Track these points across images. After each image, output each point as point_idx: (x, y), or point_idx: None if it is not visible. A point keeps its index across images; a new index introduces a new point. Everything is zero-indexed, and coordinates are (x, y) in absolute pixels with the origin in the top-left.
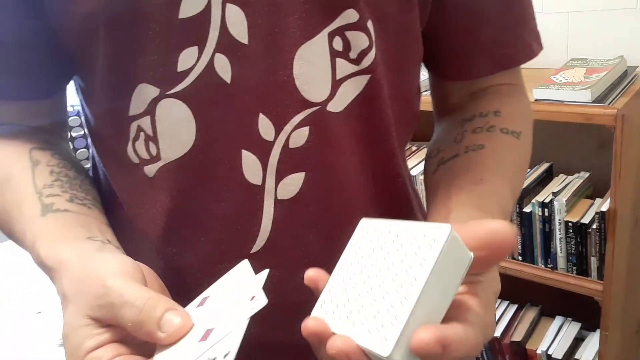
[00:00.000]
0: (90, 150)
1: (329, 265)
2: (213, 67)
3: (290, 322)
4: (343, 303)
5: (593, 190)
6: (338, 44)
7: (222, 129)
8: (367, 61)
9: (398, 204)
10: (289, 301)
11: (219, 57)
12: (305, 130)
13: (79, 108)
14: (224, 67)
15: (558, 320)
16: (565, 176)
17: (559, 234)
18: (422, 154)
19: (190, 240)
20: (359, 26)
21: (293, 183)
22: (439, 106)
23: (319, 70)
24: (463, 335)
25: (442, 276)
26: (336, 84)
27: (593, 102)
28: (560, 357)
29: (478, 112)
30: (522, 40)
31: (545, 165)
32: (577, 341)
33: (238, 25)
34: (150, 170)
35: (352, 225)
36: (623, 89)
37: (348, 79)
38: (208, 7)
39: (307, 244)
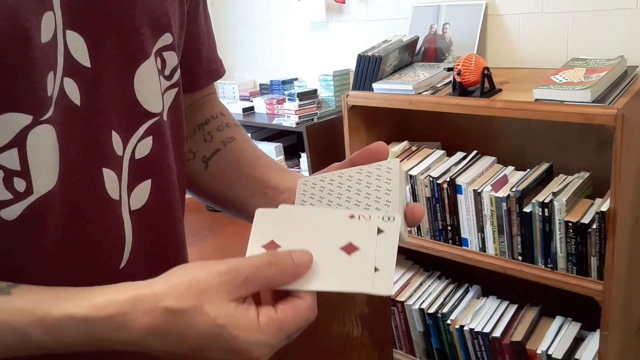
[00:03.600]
0: None
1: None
2: (64, 91)
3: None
4: None
5: (593, 190)
6: (158, 62)
7: (82, 151)
8: (176, 77)
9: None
10: None
11: (67, 81)
12: (149, 140)
13: None
14: (72, 91)
15: (558, 320)
16: (565, 176)
17: (559, 234)
18: (422, 154)
19: (63, 273)
20: (172, 47)
21: (142, 192)
22: None
23: (152, 86)
24: None
25: (402, 183)
26: (161, 97)
27: (593, 102)
28: (560, 357)
29: (209, 116)
30: (219, 59)
31: (545, 165)
32: (577, 341)
33: (79, 49)
34: (13, 211)
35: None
36: (623, 89)
37: (165, 92)
38: (55, 33)
39: (166, 247)
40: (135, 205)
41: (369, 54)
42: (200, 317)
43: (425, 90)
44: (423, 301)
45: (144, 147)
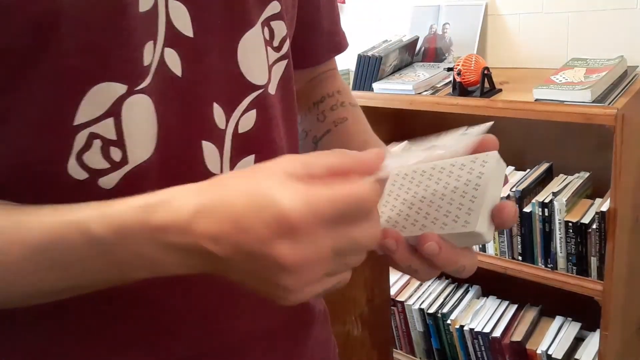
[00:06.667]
0: None
1: None
2: (164, 62)
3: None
4: (409, 216)
5: (593, 190)
6: (266, 32)
7: (181, 122)
8: (285, 48)
9: None
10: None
11: (168, 51)
12: (252, 114)
13: None
14: (174, 61)
15: (558, 320)
16: (565, 176)
17: (559, 234)
18: None
19: None
20: (280, 16)
21: (245, 167)
22: None
23: (257, 56)
24: None
25: (497, 178)
26: (269, 69)
27: (593, 102)
28: (560, 357)
29: (325, 94)
30: (342, 32)
31: (545, 165)
32: (577, 341)
33: (182, 19)
34: (111, 179)
35: None
36: (623, 89)
37: (274, 65)
38: (156, 2)
39: None
40: None
41: (369, 54)
42: (244, 179)
43: (425, 90)
44: (423, 301)
45: (248, 121)
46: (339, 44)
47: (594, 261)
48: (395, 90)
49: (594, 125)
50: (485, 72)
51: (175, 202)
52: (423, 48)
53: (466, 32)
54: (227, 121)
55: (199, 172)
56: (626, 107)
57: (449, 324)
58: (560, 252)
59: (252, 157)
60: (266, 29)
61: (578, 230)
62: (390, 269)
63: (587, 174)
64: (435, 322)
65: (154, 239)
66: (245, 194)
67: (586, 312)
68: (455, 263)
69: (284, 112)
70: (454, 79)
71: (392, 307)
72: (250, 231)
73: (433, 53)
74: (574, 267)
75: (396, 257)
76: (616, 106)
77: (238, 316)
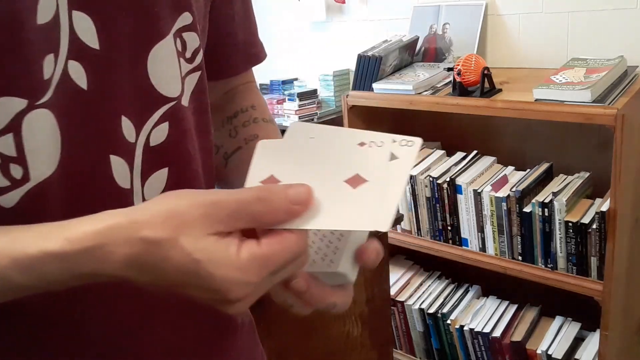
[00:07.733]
0: None
1: None
2: (68, 75)
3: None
4: None
5: (593, 190)
6: (178, 44)
7: (87, 137)
8: (198, 59)
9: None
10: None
11: (72, 64)
12: (165, 126)
13: None
14: (78, 74)
15: (558, 320)
16: (565, 176)
17: (559, 234)
18: (422, 154)
19: None
20: (192, 27)
21: (158, 181)
22: None
23: (169, 68)
24: None
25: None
26: (182, 80)
27: (593, 102)
28: (560, 357)
29: (239, 109)
30: (260, 43)
31: (545, 165)
32: (577, 341)
33: (86, 31)
34: (11, 198)
35: None
36: (623, 89)
37: (187, 76)
38: (57, 14)
39: None
40: (150, 195)
41: (369, 54)
42: (176, 250)
43: (425, 90)
44: (423, 301)
45: (160, 134)
46: (256, 56)
47: (594, 261)
48: (395, 90)
49: (594, 125)
50: (485, 72)
51: (97, 251)
52: (423, 48)
53: (466, 32)
54: (138, 134)
55: (107, 188)
56: (626, 107)
57: (449, 324)
58: (560, 252)
59: (165, 170)
60: (178, 41)
61: (578, 230)
62: (391, 268)
63: (587, 174)
64: (435, 322)
65: (81, 280)
66: (178, 263)
67: (586, 312)
68: (323, 301)
69: (198, 124)
70: (454, 79)
71: (392, 307)
72: (188, 290)
73: (433, 53)
74: (574, 267)
75: (270, 290)
76: (616, 106)
77: (155, 329)
